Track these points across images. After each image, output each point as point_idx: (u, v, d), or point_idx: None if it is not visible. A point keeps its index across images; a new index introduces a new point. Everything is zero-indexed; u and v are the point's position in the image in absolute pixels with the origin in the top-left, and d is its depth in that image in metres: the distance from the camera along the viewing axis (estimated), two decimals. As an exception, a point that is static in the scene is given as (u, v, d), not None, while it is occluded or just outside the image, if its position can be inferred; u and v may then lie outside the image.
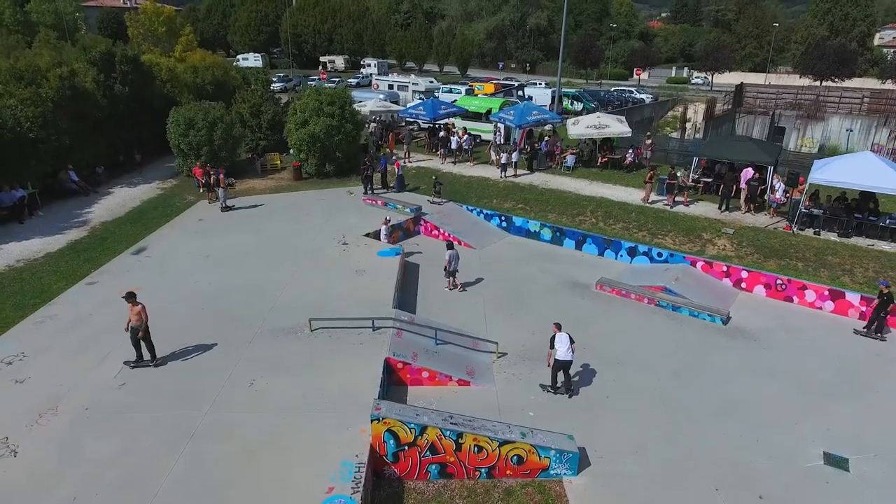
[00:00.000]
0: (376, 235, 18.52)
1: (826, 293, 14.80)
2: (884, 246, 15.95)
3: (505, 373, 12.34)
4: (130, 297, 11.29)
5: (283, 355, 11.76)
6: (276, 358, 11.66)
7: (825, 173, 16.45)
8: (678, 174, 20.02)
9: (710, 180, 20.42)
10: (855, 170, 16.13)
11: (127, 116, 25.77)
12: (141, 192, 22.97)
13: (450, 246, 15.82)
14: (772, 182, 18.03)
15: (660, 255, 17.28)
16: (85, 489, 8.38)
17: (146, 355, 11.44)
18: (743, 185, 18.96)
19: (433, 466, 9.46)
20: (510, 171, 23.77)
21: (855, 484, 9.39)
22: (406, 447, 9.33)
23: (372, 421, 9.23)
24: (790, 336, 13.79)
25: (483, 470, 9.49)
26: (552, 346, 11.37)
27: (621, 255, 18.05)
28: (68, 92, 21.79)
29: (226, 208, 21.04)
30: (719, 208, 18.94)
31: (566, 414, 11.01)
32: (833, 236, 16.81)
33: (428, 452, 9.38)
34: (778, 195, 18.02)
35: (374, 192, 22.49)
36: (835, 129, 42.39)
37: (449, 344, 12.86)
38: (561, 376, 11.56)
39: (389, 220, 18.72)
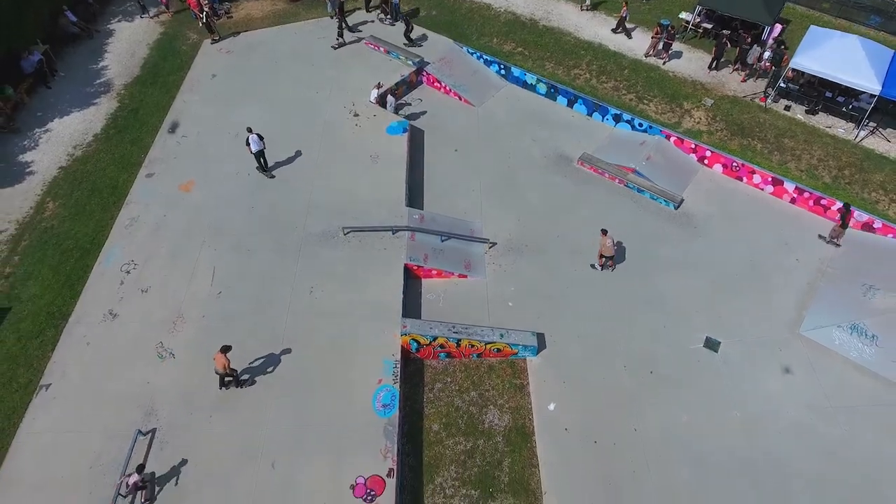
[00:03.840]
0: (382, 101, 20.72)
1: (770, 179, 18.14)
2: (839, 130, 18.48)
3: (494, 264, 16.93)
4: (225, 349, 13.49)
5: (329, 263, 16.22)
6: (324, 266, 16.16)
7: (808, 59, 17.88)
8: (679, 19, 20.76)
9: (710, 26, 21.09)
10: (838, 58, 17.64)
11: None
12: (142, 33, 23.77)
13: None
14: (762, 47, 19.21)
15: (640, 125, 19.82)
16: (222, 381, 14.00)
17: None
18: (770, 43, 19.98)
19: (442, 354, 14.94)
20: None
21: (718, 362, 14.88)
22: (424, 346, 14.65)
23: (402, 335, 14.36)
24: (725, 224, 17.79)
25: (475, 354, 14.97)
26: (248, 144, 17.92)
27: (607, 119, 20.54)
28: (38, -74, 20.87)
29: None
30: (709, 67, 20.43)
31: (535, 304, 16.00)
32: (801, 112, 19.06)
33: (438, 347, 14.74)
34: (765, 59, 19.41)
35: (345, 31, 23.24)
36: None
37: (452, 239, 17.14)
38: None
39: (381, 86, 20.65)
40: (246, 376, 14.08)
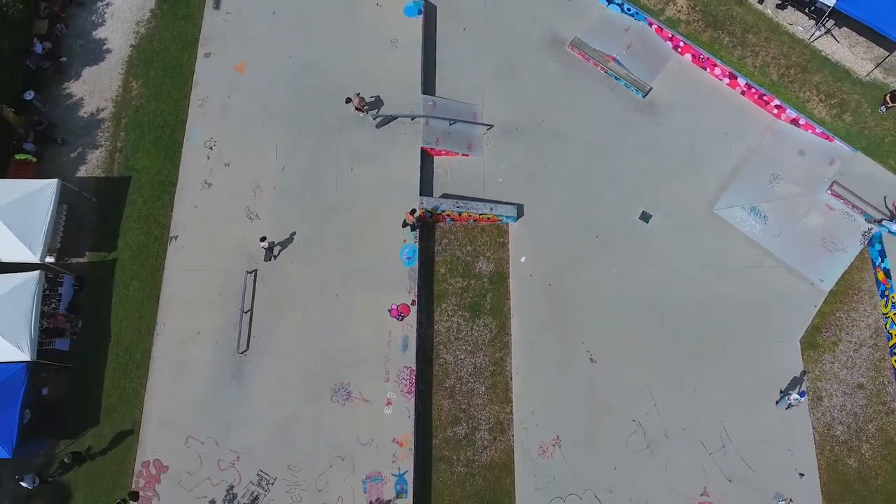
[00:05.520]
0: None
1: (727, 73, 21.46)
2: (798, 28, 21.09)
3: (490, 144, 21.71)
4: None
5: (362, 145, 21.12)
6: (358, 147, 21.10)
7: None
8: None
9: None
10: None
11: None
12: None
13: None
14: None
15: (629, 9, 22.34)
16: (304, 240, 20.14)
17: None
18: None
19: (448, 219, 20.75)
20: None
21: (647, 231, 20.66)
22: (435, 214, 20.40)
23: (420, 208, 19.98)
24: (682, 113, 21.83)
25: (472, 220, 20.78)
26: None
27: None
28: None
29: None
30: (704, -52, 21.92)
31: (519, 179, 21.27)
32: (773, 5, 21.30)
33: (446, 215, 20.50)
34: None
35: None
36: None
37: (458, 122, 21.55)
38: None
39: None
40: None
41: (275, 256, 19.92)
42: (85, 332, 19.62)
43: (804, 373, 19.28)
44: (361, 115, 21.08)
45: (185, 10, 22.95)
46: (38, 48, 21.53)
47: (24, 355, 17.54)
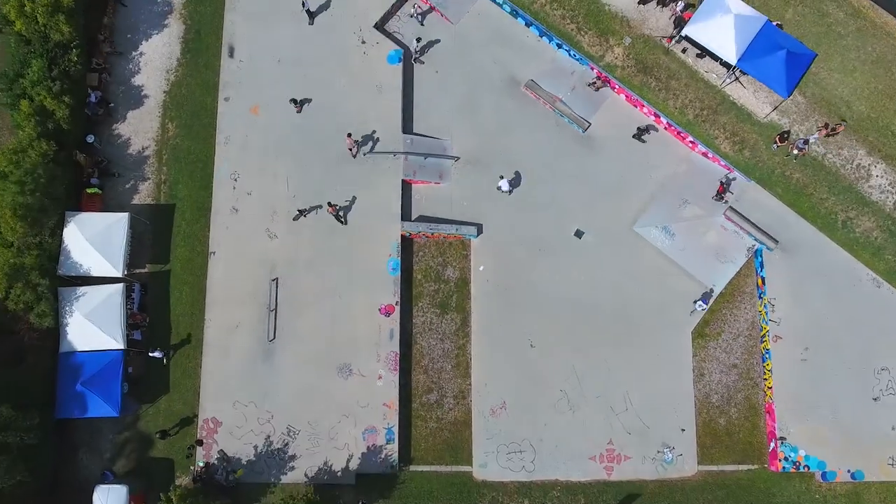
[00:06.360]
0: (382, 22, 27.06)
1: (653, 112, 25.96)
2: (713, 75, 25.22)
3: (457, 173, 27.04)
4: None
5: (355, 177, 26.60)
6: (352, 179, 26.55)
7: (696, 28, 23.61)
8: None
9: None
10: (714, 30, 23.47)
11: None
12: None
13: None
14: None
15: (575, 55, 26.51)
16: (313, 255, 26.21)
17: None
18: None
19: (424, 237, 26.49)
20: None
21: (579, 245, 26.28)
22: (413, 234, 26.13)
23: (402, 231, 25.73)
24: (613, 145, 26.82)
25: (441, 237, 26.46)
26: None
27: (553, 43, 27.02)
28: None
29: None
30: (639, 2, 25.59)
31: (480, 204, 26.74)
32: (694, 55, 25.36)
33: (421, 234, 26.21)
34: (679, 9, 24.70)
35: None
36: None
37: (430, 157, 26.67)
38: None
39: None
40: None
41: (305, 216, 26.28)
42: (152, 325, 26.38)
43: (712, 289, 25.65)
44: (353, 154, 26.31)
45: (206, 58, 27.65)
46: (93, 97, 26.74)
47: (119, 344, 24.61)
